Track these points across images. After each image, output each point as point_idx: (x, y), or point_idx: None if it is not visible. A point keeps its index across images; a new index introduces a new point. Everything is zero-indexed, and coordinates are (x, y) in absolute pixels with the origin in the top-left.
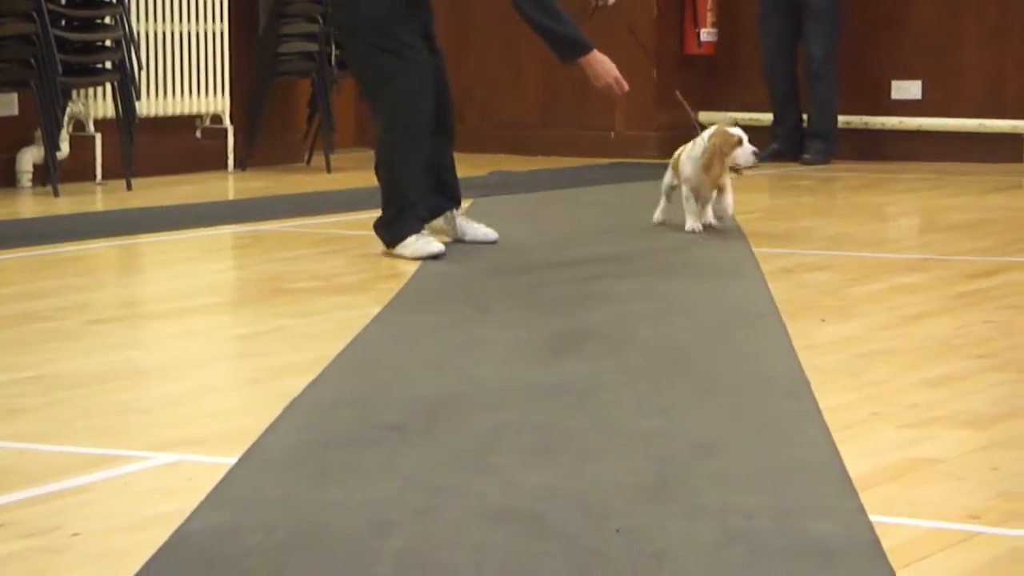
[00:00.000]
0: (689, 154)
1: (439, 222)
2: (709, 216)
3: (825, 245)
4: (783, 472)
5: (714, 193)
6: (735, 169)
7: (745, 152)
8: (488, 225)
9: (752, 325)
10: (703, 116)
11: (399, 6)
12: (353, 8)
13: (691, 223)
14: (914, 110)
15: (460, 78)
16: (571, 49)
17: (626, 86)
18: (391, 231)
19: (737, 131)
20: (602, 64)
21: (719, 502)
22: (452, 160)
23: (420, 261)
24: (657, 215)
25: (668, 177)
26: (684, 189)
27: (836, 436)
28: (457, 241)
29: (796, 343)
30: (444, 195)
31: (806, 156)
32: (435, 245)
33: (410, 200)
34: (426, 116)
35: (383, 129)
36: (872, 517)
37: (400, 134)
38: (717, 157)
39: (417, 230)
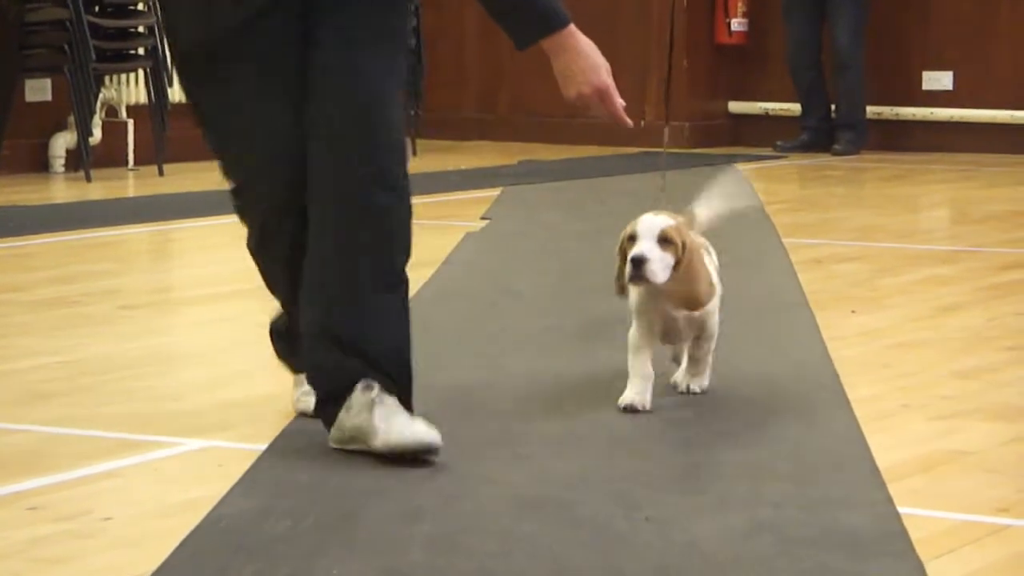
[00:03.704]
0: None
1: (358, 397)
2: (679, 376)
3: (855, 236)
4: (812, 463)
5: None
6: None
7: (634, 254)
8: (517, 220)
9: (781, 315)
10: (734, 106)
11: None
12: (171, 19)
13: (632, 392)
14: (945, 101)
15: (490, 66)
16: (526, 23)
17: (620, 113)
18: (281, 344)
19: (649, 219)
20: (583, 58)
21: (748, 492)
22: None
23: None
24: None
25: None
26: (633, 329)
27: (866, 427)
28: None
29: (825, 334)
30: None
31: (836, 147)
32: (308, 402)
33: (287, 319)
34: (291, 213)
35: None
36: (901, 509)
37: (257, 237)
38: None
39: (295, 369)
